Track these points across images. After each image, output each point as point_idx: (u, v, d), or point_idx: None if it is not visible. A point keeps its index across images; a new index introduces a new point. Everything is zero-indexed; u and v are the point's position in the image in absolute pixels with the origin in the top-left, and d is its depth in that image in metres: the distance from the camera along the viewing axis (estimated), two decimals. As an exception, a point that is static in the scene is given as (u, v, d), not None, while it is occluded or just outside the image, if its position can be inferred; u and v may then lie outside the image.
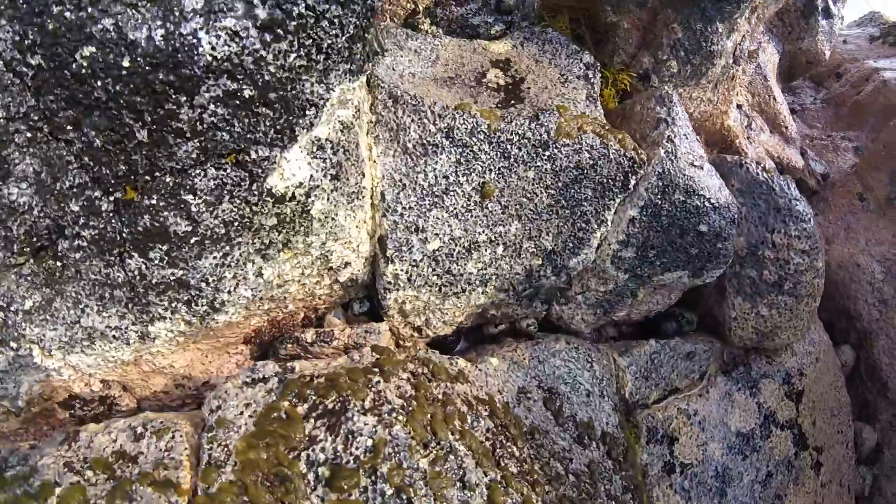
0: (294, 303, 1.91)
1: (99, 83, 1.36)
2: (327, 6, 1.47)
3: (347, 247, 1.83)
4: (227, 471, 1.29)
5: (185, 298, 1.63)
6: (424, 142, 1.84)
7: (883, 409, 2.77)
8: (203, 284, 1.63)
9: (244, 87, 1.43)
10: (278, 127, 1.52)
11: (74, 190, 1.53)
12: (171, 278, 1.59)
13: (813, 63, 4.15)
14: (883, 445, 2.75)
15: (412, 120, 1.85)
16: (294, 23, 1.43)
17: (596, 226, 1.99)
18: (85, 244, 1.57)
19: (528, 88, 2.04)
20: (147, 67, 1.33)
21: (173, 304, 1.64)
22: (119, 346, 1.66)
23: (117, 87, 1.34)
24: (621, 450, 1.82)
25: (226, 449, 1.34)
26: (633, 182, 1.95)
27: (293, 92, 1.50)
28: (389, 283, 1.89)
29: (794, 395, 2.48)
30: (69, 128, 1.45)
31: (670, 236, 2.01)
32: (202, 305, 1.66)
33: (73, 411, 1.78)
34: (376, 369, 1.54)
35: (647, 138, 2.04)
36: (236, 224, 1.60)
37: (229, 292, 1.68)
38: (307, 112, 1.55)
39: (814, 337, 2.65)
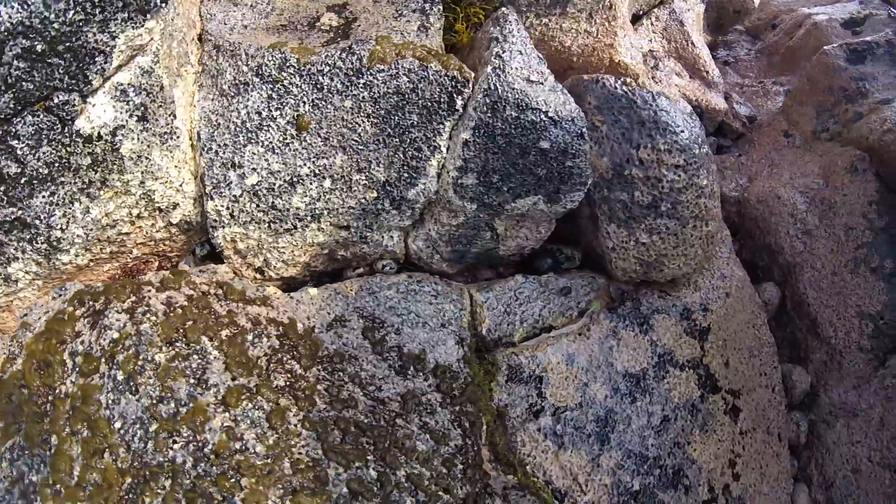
0: (137, 248, 1.96)
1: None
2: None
3: (170, 186, 1.85)
4: (18, 362, 1.38)
5: (28, 237, 1.79)
6: (237, 82, 1.84)
7: (814, 347, 2.51)
8: (37, 222, 1.78)
9: (36, 43, 1.60)
10: (71, 73, 1.69)
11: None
12: (13, 217, 1.76)
13: (741, 12, 4.00)
14: (818, 388, 2.47)
15: (229, 64, 1.86)
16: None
17: (429, 153, 1.91)
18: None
19: (359, 26, 2.02)
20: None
21: (21, 244, 1.79)
22: (-12, 290, 1.84)
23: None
24: (459, 384, 1.69)
25: (20, 345, 1.42)
26: (459, 103, 1.88)
27: (78, 42, 1.66)
28: (214, 220, 1.86)
29: (696, 333, 2.27)
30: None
31: (510, 157, 1.91)
32: (42, 243, 1.80)
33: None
34: (158, 283, 1.56)
35: (481, 60, 1.97)
36: (57, 165, 1.74)
37: (62, 230, 1.80)
38: (96, 59, 1.69)
39: (724, 272, 2.44)
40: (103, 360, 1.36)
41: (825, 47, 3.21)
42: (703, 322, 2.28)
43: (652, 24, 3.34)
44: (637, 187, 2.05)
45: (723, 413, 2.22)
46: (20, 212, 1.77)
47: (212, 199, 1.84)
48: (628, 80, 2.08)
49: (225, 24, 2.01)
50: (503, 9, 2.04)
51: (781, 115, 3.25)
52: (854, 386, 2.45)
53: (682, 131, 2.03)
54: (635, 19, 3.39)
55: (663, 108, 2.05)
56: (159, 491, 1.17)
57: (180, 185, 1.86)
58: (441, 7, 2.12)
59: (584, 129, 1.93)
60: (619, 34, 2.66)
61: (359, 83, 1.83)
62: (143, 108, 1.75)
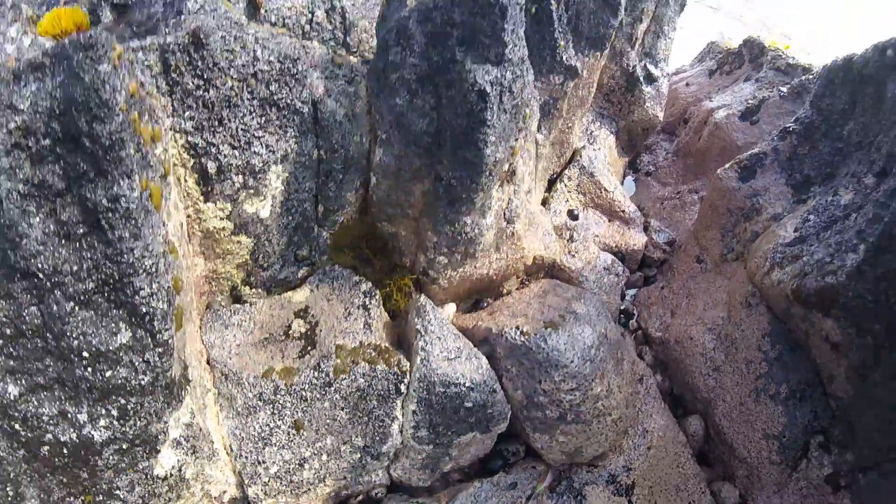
0: (207, 525, 2.80)
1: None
2: (142, 399, 2.32)
3: (219, 483, 2.68)
4: None
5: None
6: (248, 405, 2.64)
7: (737, 466, 3.06)
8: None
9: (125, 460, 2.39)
10: (147, 450, 2.47)
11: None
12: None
13: (649, 129, 4.47)
14: (747, 498, 3.02)
15: (237, 391, 2.67)
16: (132, 408, 2.32)
17: (390, 421, 2.66)
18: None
19: (321, 331, 2.78)
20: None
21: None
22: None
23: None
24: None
25: None
26: (403, 387, 2.60)
27: (146, 436, 2.43)
28: (254, 498, 2.68)
29: (623, 491, 2.89)
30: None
31: (447, 415, 2.62)
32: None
33: None
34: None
35: (412, 347, 2.68)
36: (147, 495, 2.60)
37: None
38: (159, 437, 2.48)
39: (647, 426, 3.05)
40: None
41: (718, 171, 3.62)
42: (628, 480, 2.91)
43: (566, 184, 3.92)
44: (546, 408, 2.71)
45: (657, 549, 2.84)
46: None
47: (249, 487, 2.66)
48: (525, 329, 2.73)
49: (223, 348, 2.80)
50: (420, 299, 2.75)
51: (693, 238, 3.72)
52: (775, 491, 3.00)
53: (571, 363, 2.67)
54: (550, 184, 3.97)
55: (555, 348, 2.69)
56: None
57: (226, 481, 2.70)
58: (378, 298, 2.84)
59: (496, 386, 2.61)
60: (526, 245, 3.23)
61: (331, 390, 2.60)
62: (193, 447, 2.58)
